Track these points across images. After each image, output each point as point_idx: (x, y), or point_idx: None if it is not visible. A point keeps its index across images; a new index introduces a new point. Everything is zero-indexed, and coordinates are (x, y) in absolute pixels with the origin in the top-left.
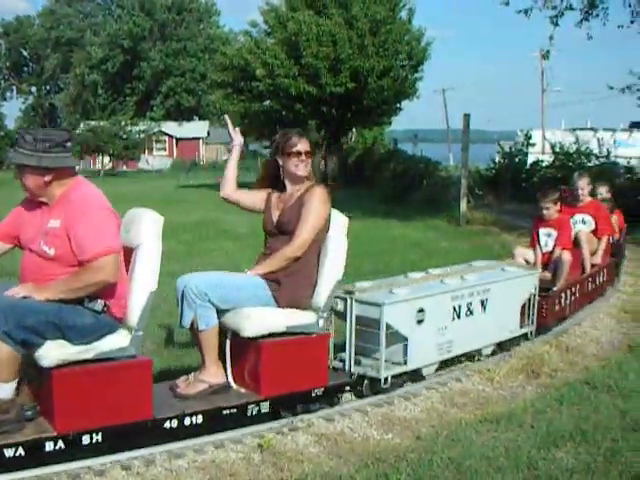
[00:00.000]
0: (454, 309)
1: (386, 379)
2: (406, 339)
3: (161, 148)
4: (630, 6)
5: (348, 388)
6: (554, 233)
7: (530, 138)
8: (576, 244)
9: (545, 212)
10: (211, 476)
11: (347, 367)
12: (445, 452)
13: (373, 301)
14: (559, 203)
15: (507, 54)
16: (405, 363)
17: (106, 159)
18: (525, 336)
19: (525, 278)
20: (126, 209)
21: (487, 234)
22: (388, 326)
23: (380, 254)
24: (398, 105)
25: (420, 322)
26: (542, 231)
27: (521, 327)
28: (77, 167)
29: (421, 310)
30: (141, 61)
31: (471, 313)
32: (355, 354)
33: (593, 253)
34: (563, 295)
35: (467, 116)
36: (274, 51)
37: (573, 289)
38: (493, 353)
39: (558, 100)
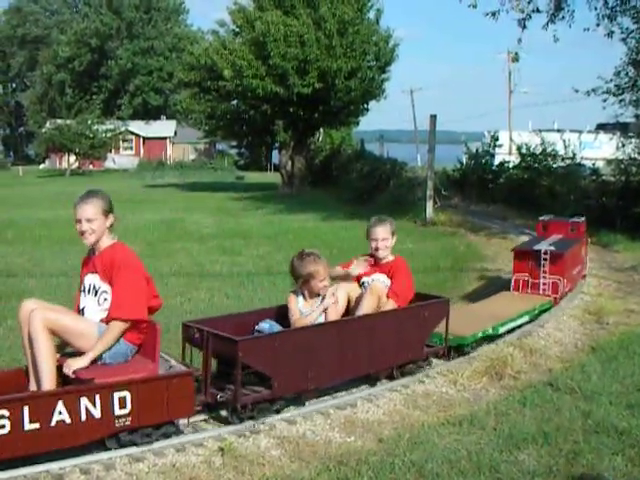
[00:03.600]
0: None
1: None
2: None
3: (128, 147)
4: (596, 9)
5: None
6: None
7: (497, 139)
8: None
9: None
10: None
11: None
12: (407, 455)
13: None
14: None
15: (475, 55)
16: None
17: (72, 158)
18: None
19: None
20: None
21: (453, 235)
22: None
23: (346, 254)
24: (365, 106)
25: None
26: None
27: None
28: (42, 166)
29: None
30: (108, 60)
31: None
32: None
33: None
34: None
35: (433, 117)
36: (242, 51)
37: None
38: None
39: (526, 101)
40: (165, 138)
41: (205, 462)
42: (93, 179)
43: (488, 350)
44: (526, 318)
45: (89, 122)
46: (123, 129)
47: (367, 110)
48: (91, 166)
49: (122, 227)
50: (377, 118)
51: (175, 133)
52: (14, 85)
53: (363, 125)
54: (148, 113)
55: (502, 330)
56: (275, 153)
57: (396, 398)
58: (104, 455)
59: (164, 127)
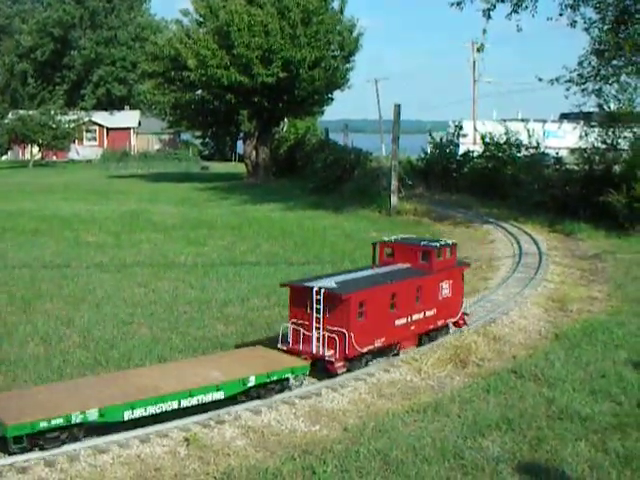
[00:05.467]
0: None
1: None
2: None
3: (91, 138)
4: None
5: None
6: None
7: (461, 129)
8: None
9: None
10: (136, 471)
11: None
12: (372, 443)
13: None
14: None
15: (440, 44)
16: None
17: (35, 149)
18: None
19: None
20: (54, 200)
21: (418, 224)
22: None
23: (311, 245)
24: (330, 95)
25: None
26: None
27: None
28: (4, 157)
29: None
30: (71, 50)
31: None
32: None
33: None
34: None
35: (397, 107)
36: (206, 41)
37: None
38: None
39: (490, 91)
40: (129, 128)
41: (170, 452)
42: (56, 170)
43: (452, 338)
44: (196, 398)
45: (52, 112)
46: (86, 119)
47: (331, 100)
48: (54, 157)
49: (87, 218)
50: (342, 108)
51: (139, 123)
52: None
53: (328, 115)
54: (112, 103)
55: (77, 420)
56: (240, 143)
57: (361, 387)
58: (68, 447)
59: (128, 117)
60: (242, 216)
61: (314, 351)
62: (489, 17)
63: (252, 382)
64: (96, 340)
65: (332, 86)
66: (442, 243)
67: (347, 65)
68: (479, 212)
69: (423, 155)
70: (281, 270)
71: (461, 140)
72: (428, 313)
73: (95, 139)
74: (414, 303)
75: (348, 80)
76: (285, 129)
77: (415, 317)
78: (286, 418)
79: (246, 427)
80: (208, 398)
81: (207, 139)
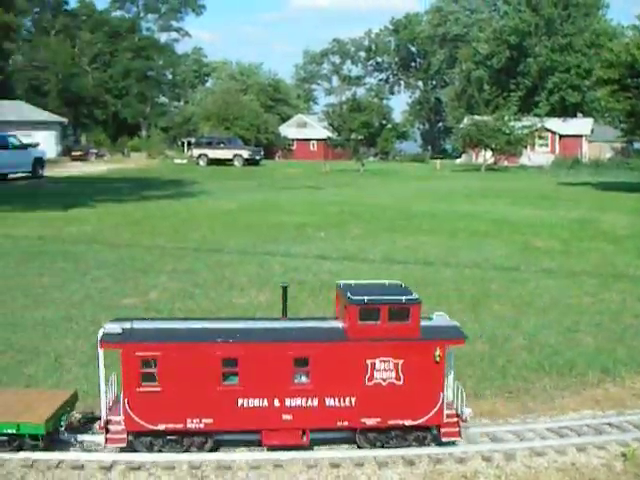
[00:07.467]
0: None
1: None
2: None
3: (543, 144)
4: None
5: None
6: None
7: None
8: None
9: None
10: (570, 478)
11: None
12: None
13: None
14: None
15: None
16: None
17: (488, 154)
18: None
19: None
20: (503, 204)
21: None
22: None
23: None
24: None
25: None
26: None
27: None
28: (458, 160)
29: None
30: (526, 57)
31: None
32: None
33: None
34: None
35: None
36: None
37: None
38: None
39: None
40: (581, 136)
41: (606, 465)
42: (506, 175)
43: None
44: None
45: (505, 118)
46: (539, 126)
47: None
48: (506, 162)
49: (535, 223)
50: None
51: (592, 131)
52: (434, 82)
53: None
54: (565, 110)
55: None
56: None
57: None
58: (505, 445)
59: (580, 125)
60: None
61: (102, 411)
62: None
63: None
64: (541, 344)
65: None
66: (376, 298)
67: None
68: None
69: None
70: None
71: None
72: (333, 402)
73: (547, 145)
74: (289, 381)
75: None
76: None
77: (294, 403)
78: None
79: None
80: None
81: None
